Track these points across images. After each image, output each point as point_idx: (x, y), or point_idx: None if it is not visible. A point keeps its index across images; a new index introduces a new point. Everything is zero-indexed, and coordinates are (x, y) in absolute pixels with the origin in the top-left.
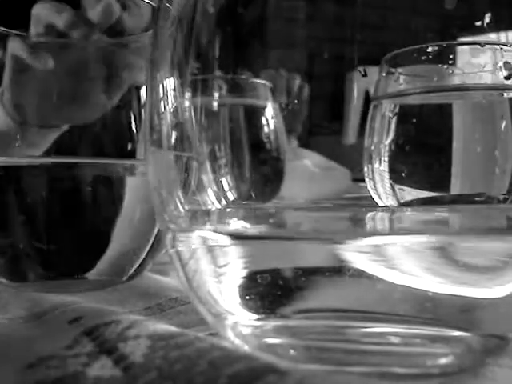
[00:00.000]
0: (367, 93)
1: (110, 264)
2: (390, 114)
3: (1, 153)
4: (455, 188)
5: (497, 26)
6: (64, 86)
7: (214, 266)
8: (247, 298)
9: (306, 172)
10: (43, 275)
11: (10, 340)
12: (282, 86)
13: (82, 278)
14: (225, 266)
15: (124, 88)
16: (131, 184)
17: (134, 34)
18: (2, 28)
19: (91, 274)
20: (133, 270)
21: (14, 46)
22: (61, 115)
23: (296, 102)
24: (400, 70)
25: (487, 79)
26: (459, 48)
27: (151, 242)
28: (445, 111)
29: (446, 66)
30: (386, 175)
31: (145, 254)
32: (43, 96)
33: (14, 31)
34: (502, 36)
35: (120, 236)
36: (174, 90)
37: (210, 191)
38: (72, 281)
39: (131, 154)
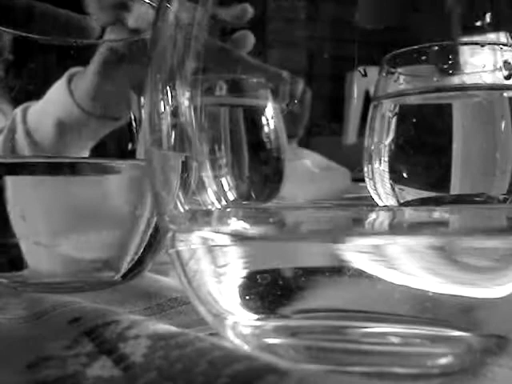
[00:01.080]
0: (367, 93)
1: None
2: (390, 114)
3: (62, 141)
4: (455, 188)
5: (497, 26)
6: (132, 80)
7: (214, 266)
8: (247, 297)
9: (306, 172)
10: (43, 275)
11: (10, 340)
12: (285, 90)
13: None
14: (225, 266)
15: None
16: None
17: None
18: (2, 28)
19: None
20: (127, 268)
21: (113, 37)
22: (124, 109)
23: (298, 106)
24: (400, 69)
25: (487, 79)
26: (459, 48)
27: (146, 240)
28: (445, 111)
29: (445, 66)
30: (386, 175)
31: (139, 252)
32: (117, 90)
33: (13, 31)
34: (502, 36)
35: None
36: (174, 90)
37: (210, 191)
38: (71, 281)
39: (131, 154)
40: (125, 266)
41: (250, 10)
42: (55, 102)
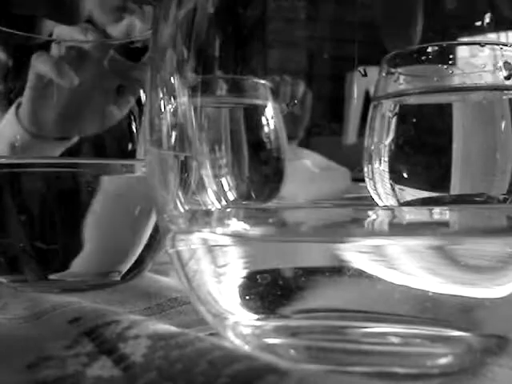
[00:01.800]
0: (367, 93)
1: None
2: (390, 114)
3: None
4: (455, 188)
5: (497, 26)
6: (80, 99)
7: (214, 266)
8: (247, 297)
9: (306, 172)
10: (42, 275)
11: (10, 340)
12: (286, 92)
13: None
14: (225, 266)
15: (133, 100)
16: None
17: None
18: (2, 28)
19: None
20: (127, 268)
21: (39, 65)
22: (75, 127)
23: (299, 107)
24: (400, 70)
25: (487, 79)
26: (459, 48)
27: (144, 240)
28: (445, 111)
29: (445, 66)
30: (386, 175)
31: (138, 253)
32: (60, 109)
33: (13, 31)
34: (502, 36)
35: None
36: (174, 90)
37: (210, 191)
38: (71, 281)
39: (131, 154)
40: (124, 267)
41: (136, 25)
42: (7, 127)
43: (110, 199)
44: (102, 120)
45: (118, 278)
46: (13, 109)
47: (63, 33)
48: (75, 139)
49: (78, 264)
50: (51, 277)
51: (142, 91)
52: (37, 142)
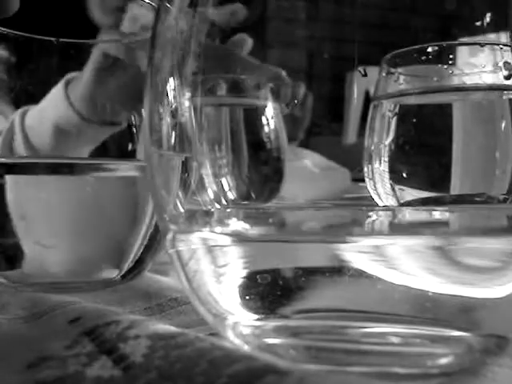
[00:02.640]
0: (367, 93)
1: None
2: (390, 114)
3: (61, 146)
4: (455, 188)
5: (497, 26)
6: (134, 85)
7: (214, 267)
8: (247, 297)
9: (306, 172)
10: (43, 275)
11: (10, 340)
12: (287, 93)
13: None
14: (225, 266)
15: None
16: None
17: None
18: (2, 28)
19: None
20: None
21: (109, 46)
22: (123, 113)
23: (300, 109)
24: (400, 70)
25: (487, 79)
26: (459, 48)
27: (142, 240)
28: (445, 111)
29: (445, 66)
30: (386, 175)
31: (137, 253)
32: (116, 94)
33: (13, 31)
34: (502, 36)
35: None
36: (174, 90)
37: (209, 191)
38: (71, 281)
39: (131, 154)
40: (126, 266)
41: (241, 10)
42: (53, 107)
43: (109, 199)
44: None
45: (118, 278)
46: (61, 88)
47: (138, 13)
48: (121, 126)
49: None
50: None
51: None
52: (84, 125)
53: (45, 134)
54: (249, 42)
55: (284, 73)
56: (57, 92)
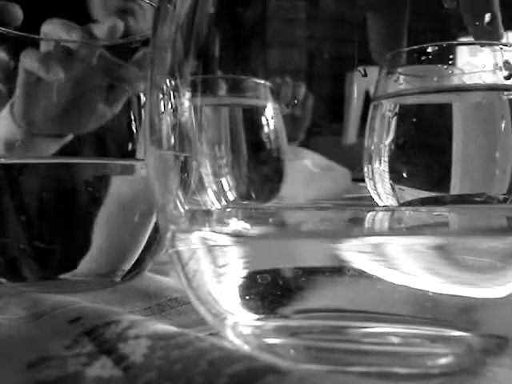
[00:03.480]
0: (367, 93)
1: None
2: (390, 114)
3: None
4: (455, 188)
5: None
6: (69, 96)
7: (214, 266)
8: (247, 297)
9: (306, 172)
10: (42, 275)
11: (10, 340)
12: (287, 94)
13: (81, 278)
14: (225, 265)
15: (124, 98)
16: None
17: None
18: (2, 28)
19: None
20: (128, 268)
21: (26, 60)
22: (66, 125)
23: (300, 110)
24: (400, 69)
25: (487, 79)
26: (459, 48)
27: (144, 240)
28: (445, 111)
29: (445, 66)
30: (386, 175)
31: (138, 253)
32: (51, 106)
33: (13, 31)
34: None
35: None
36: (174, 90)
37: (210, 191)
38: (71, 281)
39: (131, 154)
40: (126, 267)
41: (119, 26)
42: (1, 124)
43: (110, 200)
44: (94, 118)
45: (118, 278)
46: (8, 106)
47: (50, 30)
48: (69, 137)
49: (82, 265)
50: (55, 277)
51: (142, 90)
52: (32, 139)
53: None
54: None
55: (278, 80)
56: (5, 111)
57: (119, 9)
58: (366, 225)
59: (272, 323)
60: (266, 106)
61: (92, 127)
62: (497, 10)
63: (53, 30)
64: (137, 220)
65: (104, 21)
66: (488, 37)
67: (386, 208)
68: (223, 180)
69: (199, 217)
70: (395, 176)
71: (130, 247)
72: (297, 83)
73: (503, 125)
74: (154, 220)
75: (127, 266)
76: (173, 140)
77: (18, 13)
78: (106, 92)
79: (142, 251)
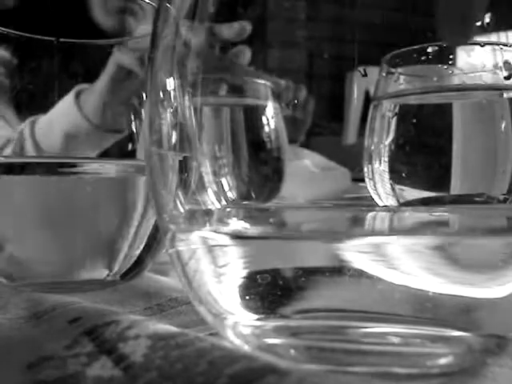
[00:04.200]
0: (367, 93)
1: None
2: (390, 114)
3: (67, 152)
4: (455, 188)
5: (497, 26)
6: (131, 95)
7: (214, 266)
8: (247, 297)
9: (306, 172)
10: (42, 275)
11: (10, 340)
12: (289, 97)
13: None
14: (225, 266)
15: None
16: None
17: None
18: (2, 28)
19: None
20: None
21: (123, 56)
22: (123, 121)
23: (301, 112)
24: (400, 70)
25: (487, 79)
26: (459, 48)
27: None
28: (445, 111)
29: (445, 66)
30: (386, 175)
31: (138, 252)
32: (121, 102)
33: (14, 31)
34: (502, 36)
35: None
36: (174, 90)
37: (210, 191)
38: (71, 281)
39: (131, 154)
40: (125, 266)
41: (248, 28)
42: (63, 115)
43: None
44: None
45: (118, 278)
46: (72, 98)
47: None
48: (125, 133)
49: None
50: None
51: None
52: (95, 133)
53: (55, 140)
54: (247, 54)
55: (283, 82)
56: (67, 101)
57: (119, 9)
58: (366, 225)
59: (272, 323)
60: (266, 106)
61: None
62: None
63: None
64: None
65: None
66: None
67: (386, 208)
68: (223, 180)
69: (199, 217)
70: (395, 176)
71: (117, 246)
72: (298, 86)
73: (503, 125)
74: (136, 219)
75: (116, 265)
76: (173, 140)
77: None
78: None
79: (142, 251)
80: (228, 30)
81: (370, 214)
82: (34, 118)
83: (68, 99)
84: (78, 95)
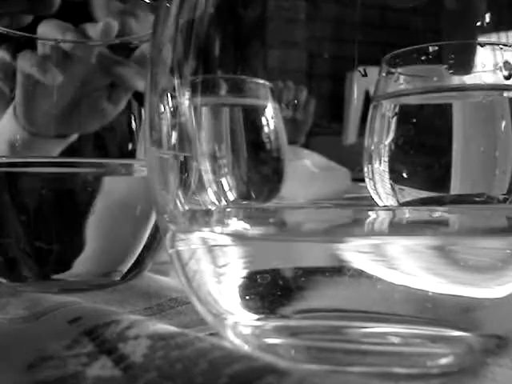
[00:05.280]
0: (367, 93)
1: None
2: (390, 114)
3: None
4: (455, 188)
5: (497, 26)
6: (71, 96)
7: (213, 266)
8: (247, 297)
9: (306, 172)
10: (42, 275)
11: (10, 340)
12: (289, 98)
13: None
14: (225, 266)
15: (128, 95)
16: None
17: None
18: (2, 28)
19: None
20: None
21: (23, 64)
22: (70, 125)
23: (302, 113)
24: (400, 70)
25: (487, 79)
26: (459, 48)
27: (144, 240)
28: (445, 111)
29: (445, 66)
30: (386, 175)
31: (138, 253)
32: (53, 107)
33: (14, 31)
34: (502, 36)
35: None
36: (174, 90)
37: (210, 191)
38: (71, 281)
39: (131, 154)
40: (124, 268)
41: (114, 26)
42: (6, 125)
43: (110, 199)
44: (98, 117)
45: (118, 278)
46: (11, 108)
47: (45, 31)
48: (74, 137)
49: (80, 264)
50: (53, 277)
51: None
52: (36, 140)
53: (3, 150)
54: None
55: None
56: (8, 113)
57: (120, 10)
58: (366, 225)
59: (272, 323)
60: (266, 106)
61: (96, 126)
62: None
63: (48, 30)
64: (134, 221)
65: (99, 21)
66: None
67: (386, 208)
68: (223, 180)
69: (199, 217)
70: (395, 176)
71: (127, 248)
72: (298, 86)
73: (503, 125)
74: (152, 220)
75: (125, 267)
76: (173, 140)
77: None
78: (108, 90)
79: (142, 251)
80: (93, 30)
81: (370, 214)
82: None
83: (9, 111)
84: (15, 105)
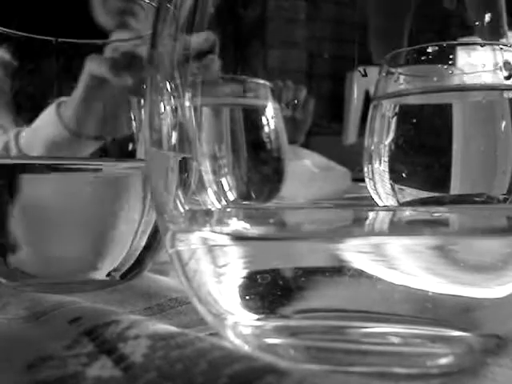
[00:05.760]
0: (367, 93)
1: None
2: (390, 114)
3: None
4: (455, 188)
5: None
6: (118, 101)
7: (213, 266)
8: (247, 297)
9: (306, 172)
10: (43, 275)
11: (10, 340)
12: (288, 97)
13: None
14: (225, 266)
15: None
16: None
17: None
18: (2, 28)
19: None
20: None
21: (94, 66)
22: (110, 128)
23: (301, 112)
24: (400, 70)
25: (487, 79)
26: (459, 48)
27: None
28: (445, 111)
29: (445, 66)
30: (386, 175)
31: (138, 252)
32: (101, 110)
33: (14, 31)
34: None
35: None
36: (174, 90)
37: (210, 191)
38: (72, 281)
39: (131, 154)
40: (125, 266)
41: (212, 38)
42: (46, 125)
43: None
44: (127, 123)
45: (118, 278)
46: (53, 109)
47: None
48: (107, 140)
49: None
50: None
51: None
52: (75, 140)
53: (38, 149)
54: (217, 63)
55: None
56: (49, 113)
57: (120, 9)
58: (366, 225)
59: (272, 323)
60: (266, 106)
61: (125, 132)
62: (501, 9)
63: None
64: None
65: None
66: (490, 35)
67: (386, 208)
68: (223, 180)
69: (199, 217)
70: (395, 176)
71: (99, 245)
72: (298, 86)
73: (503, 125)
74: (123, 216)
75: (109, 265)
76: (173, 140)
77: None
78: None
79: (142, 251)
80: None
81: (370, 214)
82: (17, 129)
83: (50, 110)
84: (59, 105)
